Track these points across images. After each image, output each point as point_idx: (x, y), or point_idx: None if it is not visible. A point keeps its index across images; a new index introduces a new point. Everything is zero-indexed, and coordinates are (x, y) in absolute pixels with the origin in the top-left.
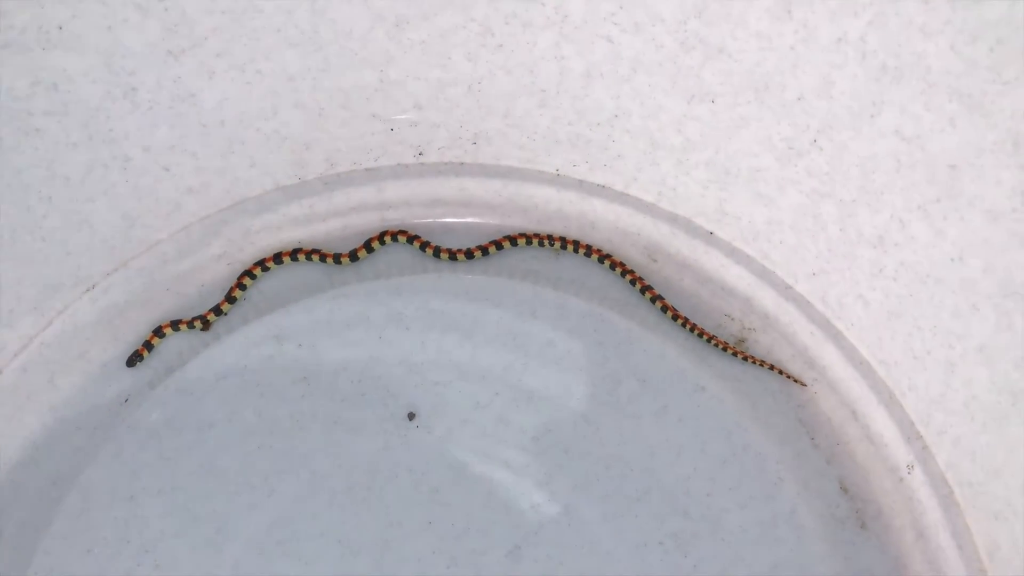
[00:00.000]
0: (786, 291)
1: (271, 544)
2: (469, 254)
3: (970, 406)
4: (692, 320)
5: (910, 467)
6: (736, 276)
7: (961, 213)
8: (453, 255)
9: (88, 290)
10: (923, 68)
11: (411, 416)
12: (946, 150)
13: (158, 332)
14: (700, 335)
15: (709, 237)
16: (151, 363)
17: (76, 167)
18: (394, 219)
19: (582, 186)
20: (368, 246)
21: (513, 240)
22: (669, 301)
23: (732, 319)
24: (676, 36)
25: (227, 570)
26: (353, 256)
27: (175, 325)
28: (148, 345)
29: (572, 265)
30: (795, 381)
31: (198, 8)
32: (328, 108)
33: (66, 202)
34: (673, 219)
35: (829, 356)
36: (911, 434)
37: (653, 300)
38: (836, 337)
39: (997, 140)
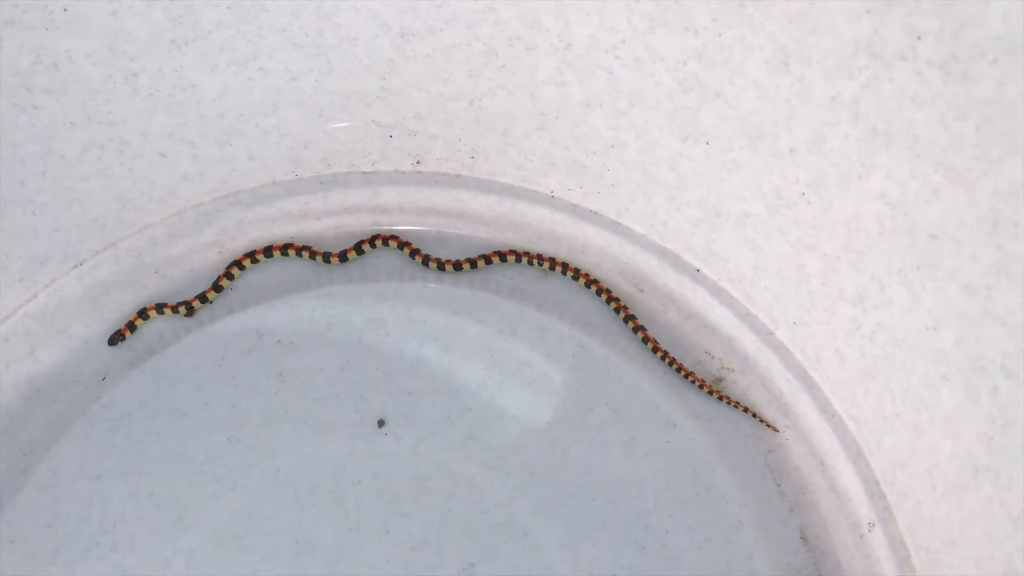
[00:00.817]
0: (767, 336)
1: (228, 536)
2: (458, 265)
3: (932, 473)
4: (672, 354)
5: (871, 525)
6: (720, 315)
7: (939, 283)
8: (442, 265)
9: (76, 266)
10: (912, 136)
11: (381, 423)
12: (929, 219)
13: (142, 314)
14: (678, 370)
15: (696, 274)
16: (132, 344)
17: (72, 146)
18: (387, 224)
19: (575, 210)
20: (359, 248)
21: (503, 256)
22: (651, 333)
23: (712, 357)
24: (675, 75)
25: (182, 558)
26: (343, 257)
27: (160, 308)
28: (131, 326)
29: (558, 288)
30: (767, 426)
31: (204, 1)
32: (328, 110)
33: (60, 179)
34: (662, 252)
35: (803, 405)
36: (875, 492)
37: (635, 330)
38: (811, 387)
39: (978, 216)
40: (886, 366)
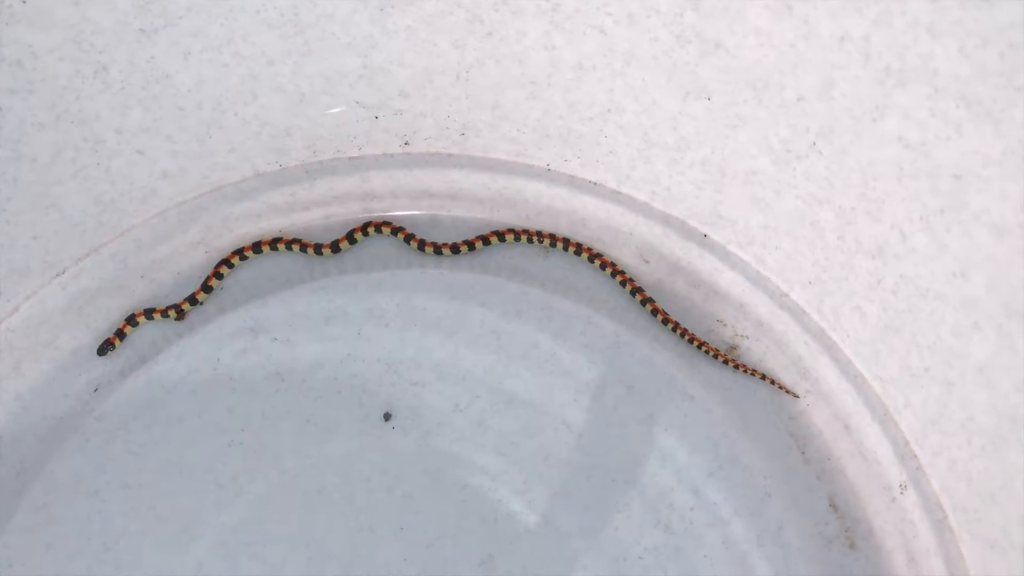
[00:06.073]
0: (781, 298)
1: (237, 545)
2: (455, 248)
3: (967, 428)
4: (683, 324)
5: (903, 487)
6: (730, 281)
7: (965, 227)
8: (438, 249)
9: (58, 275)
10: (930, 71)
11: (387, 417)
12: (951, 159)
13: (131, 320)
14: (691, 340)
15: (703, 240)
16: (123, 352)
17: (43, 148)
18: (378, 210)
19: (573, 182)
20: (351, 237)
21: (501, 236)
22: (660, 304)
23: (724, 325)
24: (672, 29)
25: (191, 571)
26: (335, 247)
27: (149, 314)
28: (120, 334)
29: (561, 264)
30: (787, 392)
31: None
32: (309, 94)
33: (33, 184)
34: (666, 220)
35: (823, 368)
36: (905, 453)
37: (644, 303)
38: (831, 348)
39: (1006, 151)
40: (911, 319)
